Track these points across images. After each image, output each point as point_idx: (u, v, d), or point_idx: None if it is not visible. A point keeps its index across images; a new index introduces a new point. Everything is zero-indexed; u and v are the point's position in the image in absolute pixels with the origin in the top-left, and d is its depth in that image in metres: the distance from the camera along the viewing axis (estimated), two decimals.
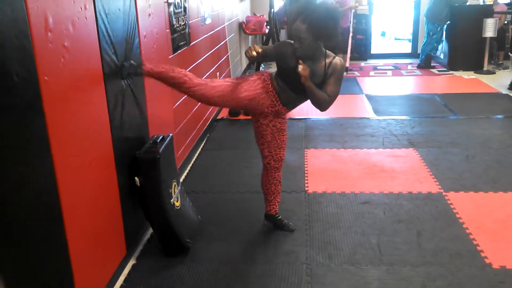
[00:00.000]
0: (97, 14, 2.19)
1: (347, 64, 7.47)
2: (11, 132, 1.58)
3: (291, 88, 2.55)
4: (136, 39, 2.68)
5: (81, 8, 2.05)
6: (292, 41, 2.48)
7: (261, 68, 6.01)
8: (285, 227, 2.87)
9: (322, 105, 2.52)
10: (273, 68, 2.55)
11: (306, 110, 5.51)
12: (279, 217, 2.89)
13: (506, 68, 7.64)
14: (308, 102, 2.60)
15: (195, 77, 2.57)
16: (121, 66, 2.42)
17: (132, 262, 2.61)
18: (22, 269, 1.66)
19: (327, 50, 2.53)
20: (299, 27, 2.39)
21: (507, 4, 8.44)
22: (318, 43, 2.46)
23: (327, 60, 2.49)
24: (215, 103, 2.63)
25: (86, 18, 2.09)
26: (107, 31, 2.28)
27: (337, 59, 2.50)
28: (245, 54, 2.46)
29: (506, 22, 8.07)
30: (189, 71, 3.99)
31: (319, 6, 2.41)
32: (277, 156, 2.74)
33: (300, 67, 2.37)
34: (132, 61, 2.51)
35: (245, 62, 7.82)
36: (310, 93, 2.45)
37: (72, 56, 1.96)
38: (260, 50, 2.44)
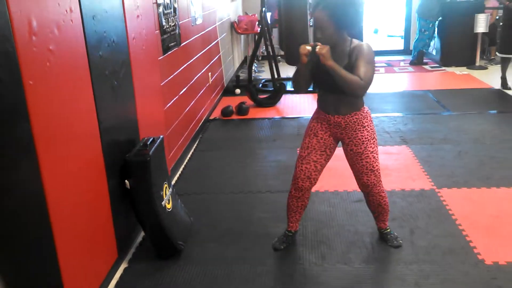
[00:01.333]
0: (83, 16, 2.17)
1: None
2: None
3: (324, 89, 2.41)
4: (124, 41, 2.65)
5: (66, 11, 2.03)
6: (315, 32, 2.32)
7: (253, 70, 5.99)
8: (389, 242, 2.69)
9: (355, 88, 2.22)
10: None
11: (298, 109, 5.52)
12: (385, 231, 2.74)
13: (498, 63, 7.64)
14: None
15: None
16: None
17: (124, 265, 2.59)
18: (10, 274, 1.64)
19: (352, 38, 2.34)
20: (319, 16, 2.25)
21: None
22: (340, 31, 2.29)
23: (351, 46, 2.30)
24: (323, 164, 2.55)
25: (72, 20, 2.07)
26: (94, 34, 2.26)
27: (362, 43, 2.32)
28: (301, 49, 2.25)
29: (497, 17, 8.09)
30: (180, 72, 4.00)
31: None
32: (361, 182, 2.52)
33: (318, 47, 2.18)
34: None
35: (237, 62, 7.81)
36: (337, 75, 2.19)
37: (58, 60, 1.94)
38: (312, 44, 2.26)
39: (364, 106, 2.45)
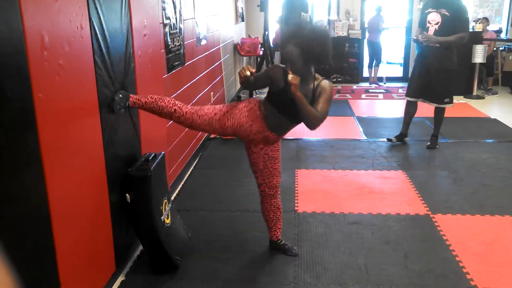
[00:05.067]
0: (93, 33, 2.24)
1: None
2: (4, 147, 1.61)
3: (279, 111, 2.52)
4: (131, 59, 2.73)
5: (77, 27, 2.10)
6: (283, 65, 2.50)
7: (254, 95, 6.09)
8: (288, 252, 2.85)
9: (312, 122, 2.44)
10: (266, 95, 2.55)
11: (298, 131, 5.58)
12: (281, 243, 2.88)
13: (495, 93, 7.78)
14: (300, 124, 2.59)
15: (184, 105, 2.60)
16: (112, 100, 2.43)
17: (121, 278, 2.62)
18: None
19: (316, 73, 2.54)
20: (291, 51, 2.40)
21: (496, 32, 8.64)
22: (308, 66, 2.48)
23: (315, 82, 2.49)
24: (203, 130, 2.65)
25: (82, 37, 2.14)
26: (102, 51, 2.34)
27: (325, 81, 2.51)
28: (239, 74, 2.49)
29: (495, 49, 8.26)
30: (183, 90, 4.08)
31: (311, 31, 2.42)
32: (271, 184, 2.74)
33: (290, 76, 2.32)
34: (120, 94, 2.50)
35: (239, 82, 7.91)
36: (301, 106, 2.37)
37: (67, 74, 2.01)
38: (253, 70, 2.48)
39: None
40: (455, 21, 4.49)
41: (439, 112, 4.88)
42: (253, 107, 2.57)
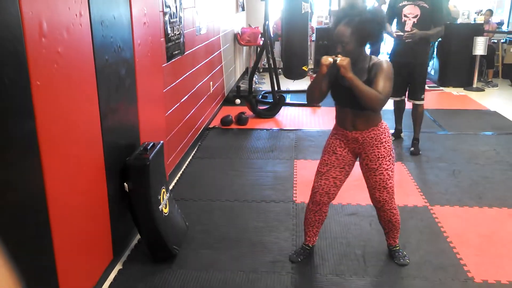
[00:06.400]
0: (92, 21, 2.22)
1: None
2: (1, 135, 1.60)
3: (342, 105, 2.41)
4: (130, 47, 2.71)
5: (76, 15, 2.08)
6: (336, 46, 2.30)
7: (254, 81, 6.04)
8: (395, 259, 2.70)
9: (373, 102, 2.22)
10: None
11: (297, 121, 5.58)
12: (394, 248, 2.75)
13: (495, 86, 7.76)
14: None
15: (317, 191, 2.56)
16: None
17: (118, 267, 2.62)
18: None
19: (371, 55, 2.37)
20: (342, 31, 2.25)
21: (497, 24, 8.61)
22: (361, 47, 2.30)
23: (371, 62, 2.32)
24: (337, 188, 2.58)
25: (81, 25, 2.13)
26: (101, 38, 2.32)
27: (381, 59, 2.33)
28: (322, 61, 2.24)
29: (495, 41, 8.23)
30: (182, 80, 4.06)
31: (364, 10, 2.27)
32: (373, 196, 2.55)
33: (339, 58, 2.19)
34: None
35: (239, 72, 7.89)
36: (357, 88, 2.19)
37: (65, 62, 1.99)
38: (338, 57, 2.24)
39: (382, 121, 2.45)
40: (433, 13, 4.25)
41: (417, 108, 4.59)
42: (332, 130, 2.53)
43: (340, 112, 2.47)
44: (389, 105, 6.29)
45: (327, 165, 2.52)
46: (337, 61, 2.19)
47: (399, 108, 4.83)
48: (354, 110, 2.36)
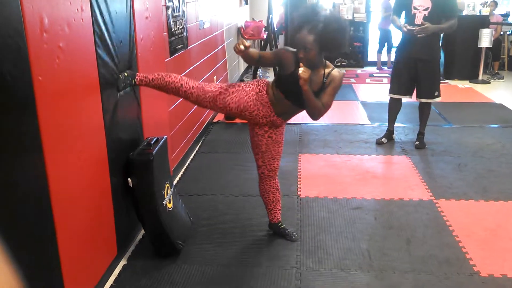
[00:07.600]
0: (94, 15, 2.21)
1: None
2: (3, 131, 1.60)
3: (287, 97, 2.49)
4: (132, 41, 2.70)
5: (77, 9, 2.07)
6: (293, 49, 2.43)
7: (258, 74, 6.05)
8: (287, 237, 2.84)
9: (315, 114, 2.47)
10: (270, 77, 2.54)
11: (301, 116, 5.55)
12: (282, 226, 2.88)
13: (501, 78, 7.71)
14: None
15: (191, 80, 2.59)
16: (117, 78, 2.41)
17: (123, 262, 2.62)
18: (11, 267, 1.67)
19: (326, 61, 2.48)
20: (305, 37, 2.33)
21: (502, 15, 8.53)
22: (321, 54, 2.41)
23: (326, 70, 2.44)
24: (208, 107, 2.63)
25: (82, 19, 2.11)
26: (103, 33, 2.30)
27: (336, 71, 2.45)
28: (234, 49, 2.39)
29: (502, 33, 8.16)
30: (186, 74, 4.04)
31: (328, 17, 2.34)
32: (271, 166, 2.73)
33: (301, 69, 2.28)
34: (125, 73, 2.48)
35: (242, 66, 7.86)
36: (307, 98, 2.37)
37: (67, 57, 1.98)
38: (248, 44, 2.36)
39: None
40: (446, 4, 4.04)
41: (427, 107, 4.44)
42: (261, 90, 2.54)
43: (279, 100, 2.52)
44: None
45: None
46: (299, 72, 2.28)
47: (396, 108, 4.58)
48: (295, 105, 2.52)
